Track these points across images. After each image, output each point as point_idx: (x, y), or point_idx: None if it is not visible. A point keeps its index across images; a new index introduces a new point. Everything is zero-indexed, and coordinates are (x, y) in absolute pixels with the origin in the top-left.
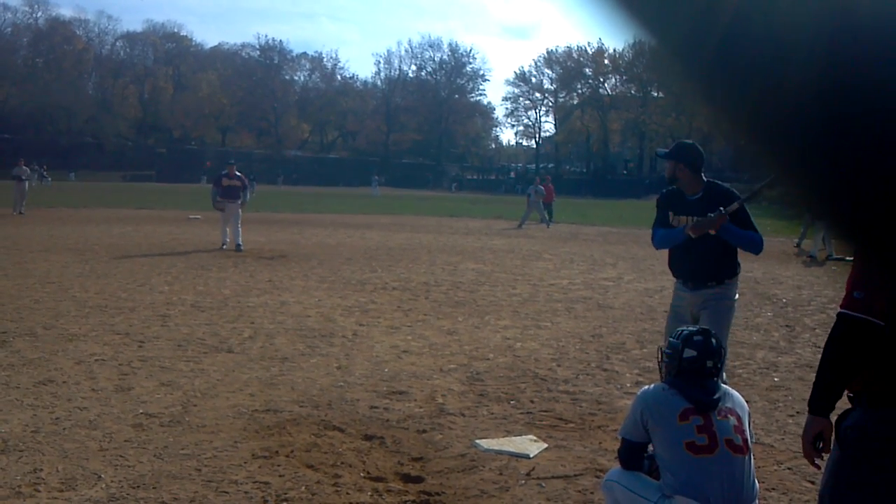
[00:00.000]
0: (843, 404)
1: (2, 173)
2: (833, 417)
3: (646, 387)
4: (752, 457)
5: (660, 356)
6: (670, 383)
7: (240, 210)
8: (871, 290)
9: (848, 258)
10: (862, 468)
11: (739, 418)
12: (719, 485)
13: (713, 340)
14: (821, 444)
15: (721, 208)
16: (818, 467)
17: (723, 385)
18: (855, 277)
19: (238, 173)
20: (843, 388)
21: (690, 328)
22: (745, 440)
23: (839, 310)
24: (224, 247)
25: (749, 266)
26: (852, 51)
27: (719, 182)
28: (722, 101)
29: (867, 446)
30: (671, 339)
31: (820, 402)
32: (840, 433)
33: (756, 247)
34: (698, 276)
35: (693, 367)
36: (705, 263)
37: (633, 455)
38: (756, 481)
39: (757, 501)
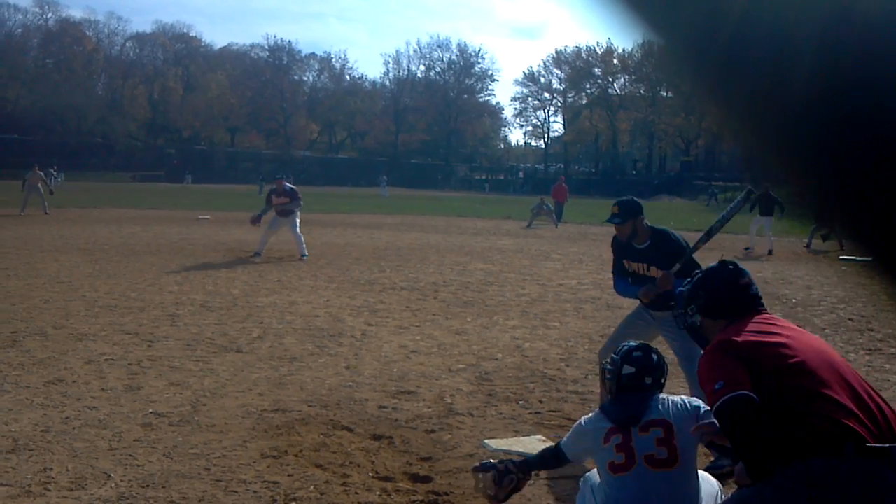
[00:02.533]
0: None
1: (13, 174)
2: None
3: (585, 418)
4: (686, 467)
5: (602, 374)
6: (602, 407)
7: (296, 220)
8: (728, 375)
9: (858, 258)
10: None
11: (669, 429)
12: (638, 500)
13: (653, 356)
14: None
15: (666, 271)
16: None
17: (661, 396)
18: (708, 376)
19: (288, 185)
20: (763, 453)
21: (631, 343)
22: (674, 451)
23: (710, 409)
24: (257, 257)
25: (759, 266)
26: (860, 51)
27: (657, 227)
28: (730, 101)
29: (800, 494)
30: (613, 355)
31: (753, 472)
32: (774, 480)
33: None
34: (657, 306)
35: (633, 384)
36: (661, 295)
37: (559, 457)
38: (700, 491)
39: None
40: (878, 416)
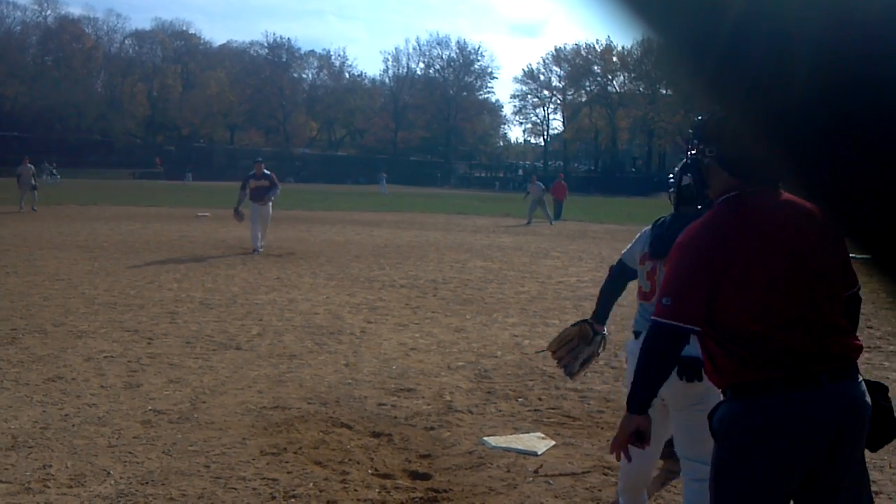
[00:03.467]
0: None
1: (12, 171)
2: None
3: (643, 231)
4: None
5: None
6: (654, 224)
7: (269, 211)
8: (681, 296)
9: (857, 255)
10: (736, 457)
11: None
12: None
13: None
14: (641, 438)
15: None
16: (629, 459)
17: None
18: (665, 284)
19: (266, 171)
20: (658, 387)
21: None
22: None
23: (652, 318)
24: (258, 251)
25: None
26: (859, 50)
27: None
28: (729, 99)
29: (737, 436)
30: (675, 167)
31: (637, 402)
32: (713, 427)
33: None
34: None
35: (691, 193)
36: None
37: (621, 272)
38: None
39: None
40: (825, 339)
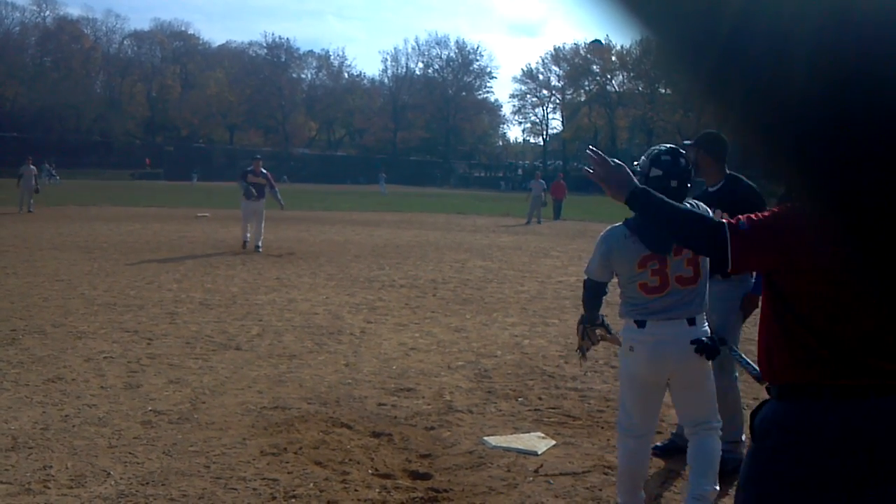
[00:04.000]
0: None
1: (12, 171)
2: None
3: (609, 228)
4: (705, 281)
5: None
6: (630, 226)
7: (263, 208)
8: (750, 240)
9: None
10: (768, 454)
11: None
12: (665, 307)
13: (682, 160)
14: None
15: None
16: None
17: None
18: (751, 215)
19: (263, 170)
20: (655, 227)
21: (661, 147)
22: (697, 269)
23: (724, 219)
24: (246, 246)
25: None
26: (857, 49)
27: (742, 178)
28: (728, 98)
29: (774, 435)
30: (643, 157)
31: (643, 204)
32: (753, 425)
33: None
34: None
35: (659, 187)
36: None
37: (596, 294)
38: (706, 299)
39: (704, 313)
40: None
